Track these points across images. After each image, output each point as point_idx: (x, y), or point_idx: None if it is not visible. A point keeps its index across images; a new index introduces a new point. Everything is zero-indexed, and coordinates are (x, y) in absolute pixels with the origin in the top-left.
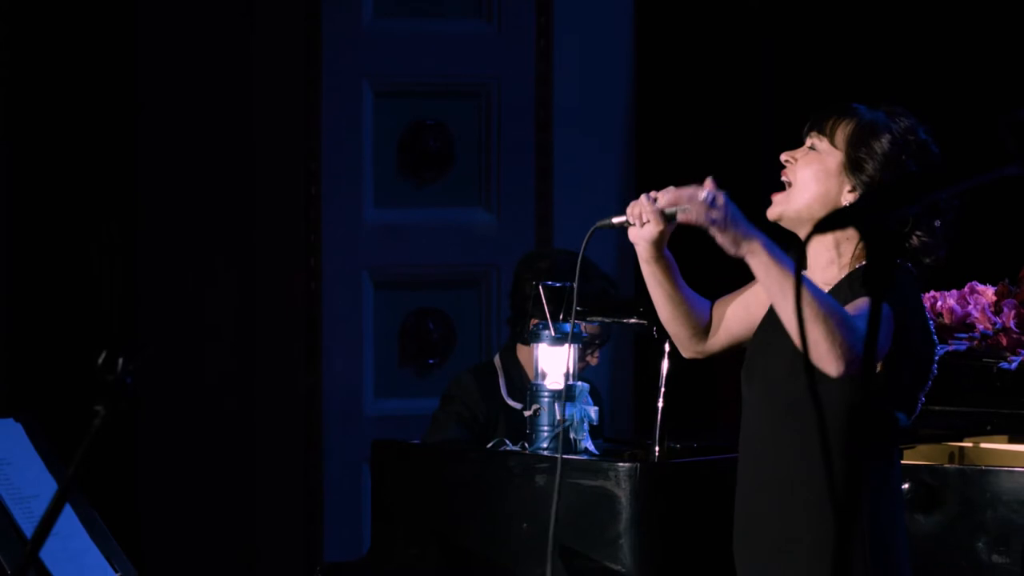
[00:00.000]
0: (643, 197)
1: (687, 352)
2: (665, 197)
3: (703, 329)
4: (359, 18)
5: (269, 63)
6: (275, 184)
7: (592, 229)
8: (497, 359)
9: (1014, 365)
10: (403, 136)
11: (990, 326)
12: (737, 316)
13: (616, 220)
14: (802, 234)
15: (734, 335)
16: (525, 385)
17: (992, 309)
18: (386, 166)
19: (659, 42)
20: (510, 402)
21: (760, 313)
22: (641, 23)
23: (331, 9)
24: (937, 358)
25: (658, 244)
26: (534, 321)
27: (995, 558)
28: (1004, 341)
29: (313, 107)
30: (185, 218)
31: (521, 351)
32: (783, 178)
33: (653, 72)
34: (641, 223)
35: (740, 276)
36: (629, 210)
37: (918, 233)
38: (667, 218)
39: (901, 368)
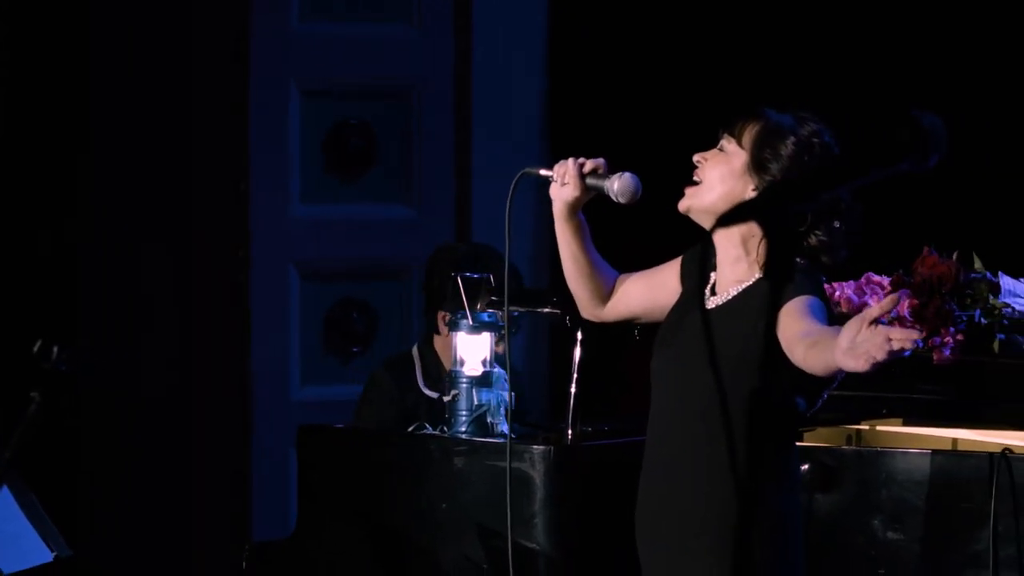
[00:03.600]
0: (570, 160)
1: (585, 313)
2: (591, 164)
3: (603, 295)
4: (286, 21)
5: (201, 65)
6: (207, 180)
7: (519, 175)
8: (415, 349)
9: (907, 352)
10: (329, 135)
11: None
12: (641, 294)
13: (543, 172)
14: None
15: (633, 311)
16: (441, 374)
17: None
18: (312, 163)
19: (572, 45)
20: (427, 391)
21: (666, 299)
22: (555, 28)
23: (259, 13)
24: None
25: (572, 207)
26: (442, 315)
27: (890, 535)
28: None
29: (242, 107)
30: (125, 212)
31: (437, 341)
32: (694, 177)
33: (566, 74)
34: (562, 182)
35: (654, 256)
36: (556, 167)
37: (817, 232)
38: (586, 187)
39: None
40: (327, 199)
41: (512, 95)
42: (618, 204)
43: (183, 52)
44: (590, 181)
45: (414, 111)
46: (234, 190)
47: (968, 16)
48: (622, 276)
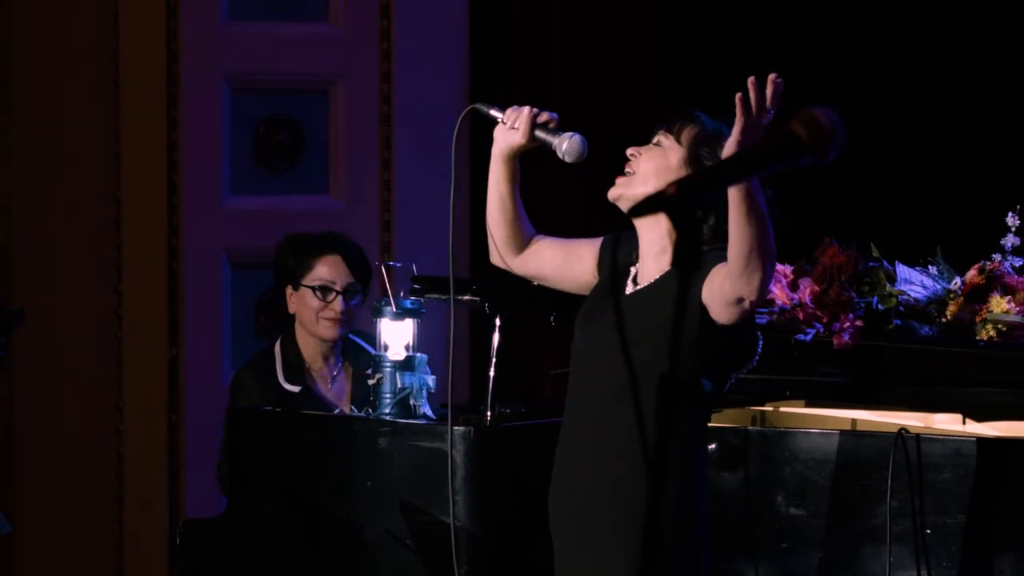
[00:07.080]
0: (526, 108)
1: (494, 257)
2: (545, 116)
3: (518, 245)
4: (216, 20)
5: (134, 62)
6: (140, 173)
7: (469, 107)
8: (277, 345)
9: (809, 337)
10: (257, 129)
11: (788, 302)
12: (554, 260)
13: (493, 112)
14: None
15: (543, 272)
16: (303, 366)
17: (790, 286)
18: (242, 157)
19: (492, 44)
20: (286, 386)
21: (576, 271)
22: (476, 25)
23: (190, 11)
24: (760, 349)
25: (514, 152)
26: (289, 292)
27: (792, 511)
28: (800, 315)
29: (175, 102)
30: (59, 203)
31: (299, 334)
32: (627, 169)
33: (486, 71)
34: (512, 126)
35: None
36: (509, 111)
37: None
38: (534, 137)
39: (728, 346)
40: (257, 190)
41: (433, 91)
42: (562, 162)
43: (118, 52)
44: (539, 133)
45: (340, 106)
46: (168, 182)
47: (863, 12)
48: (541, 236)
